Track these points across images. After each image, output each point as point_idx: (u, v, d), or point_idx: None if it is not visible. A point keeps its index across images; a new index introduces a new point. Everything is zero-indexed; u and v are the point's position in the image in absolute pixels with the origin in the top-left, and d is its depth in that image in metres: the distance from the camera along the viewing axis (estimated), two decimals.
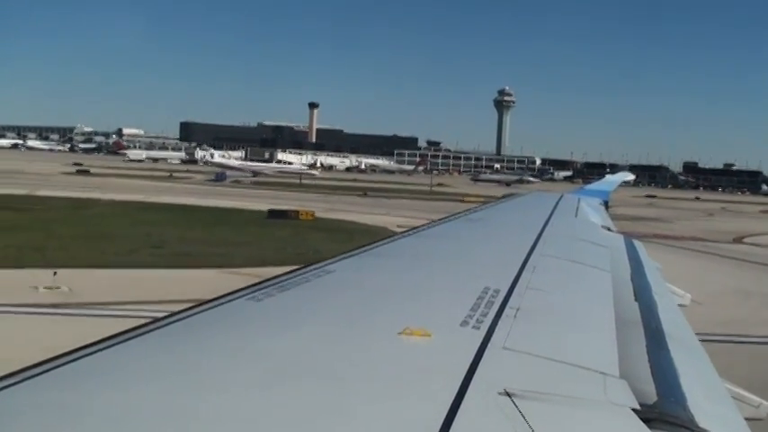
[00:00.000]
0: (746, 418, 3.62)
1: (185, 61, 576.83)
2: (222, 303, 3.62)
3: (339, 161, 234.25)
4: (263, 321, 3.40)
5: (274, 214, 62.72)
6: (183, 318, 3.32)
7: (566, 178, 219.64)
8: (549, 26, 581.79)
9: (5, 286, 30.91)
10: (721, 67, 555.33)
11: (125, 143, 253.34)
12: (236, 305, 3.61)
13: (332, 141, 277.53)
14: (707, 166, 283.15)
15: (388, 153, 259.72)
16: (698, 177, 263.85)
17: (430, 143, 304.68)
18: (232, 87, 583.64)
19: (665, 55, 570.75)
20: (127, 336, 2.96)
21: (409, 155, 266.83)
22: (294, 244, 46.36)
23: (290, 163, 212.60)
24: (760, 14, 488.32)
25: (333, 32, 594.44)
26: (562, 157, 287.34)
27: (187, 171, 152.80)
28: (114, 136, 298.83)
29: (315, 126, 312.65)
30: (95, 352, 2.73)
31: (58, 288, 30.94)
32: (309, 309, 3.72)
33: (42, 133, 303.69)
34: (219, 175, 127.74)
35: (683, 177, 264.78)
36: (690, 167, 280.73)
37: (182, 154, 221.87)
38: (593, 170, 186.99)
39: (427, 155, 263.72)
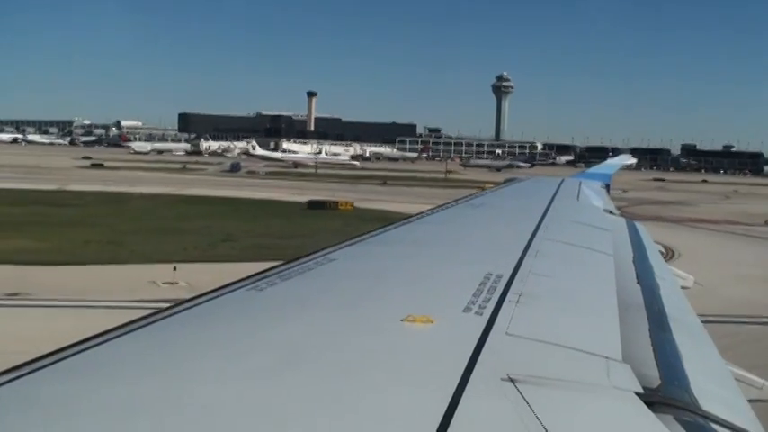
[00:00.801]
0: (750, 400, 3.62)
1: (183, 52, 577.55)
2: (225, 293, 3.63)
3: (343, 149, 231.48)
4: (267, 310, 3.41)
5: (314, 205, 62.47)
6: (187, 308, 3.33)
7: (568, 162, 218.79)
8: (547, 10, 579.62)
9: (124, 282, 30.81)
10: (720, 49, 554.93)
11: (129, 136, 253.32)
12: (238, 295, 3.62)
13: (331, 130, 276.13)
14: (705, 149, 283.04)
15: (388, 141, 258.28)
16: (699, 160, 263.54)
17: (430, 130, 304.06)
18: (230, 78, 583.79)
19: (665, 38, 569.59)
20: (131, 327, 2.97)
21: (411, 142, 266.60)
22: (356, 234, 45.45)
23: (294, 152, 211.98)
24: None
25: (330, 21, 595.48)
26: (563, 141, 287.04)
27: (196, 162, 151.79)
28: (114, 129, 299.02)
29: (314, 115, 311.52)
30: (99, 344, 2.74)
31: (176, 283, 30.93)
32: (312, 297, 3.73)
33: (41, 127, 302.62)
34: (234, 166, 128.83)
35: (684, 160, 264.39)
36: (689, 150, 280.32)
37: (186, 145, 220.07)
38: (595, 154, 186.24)
39: (429, 142, 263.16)
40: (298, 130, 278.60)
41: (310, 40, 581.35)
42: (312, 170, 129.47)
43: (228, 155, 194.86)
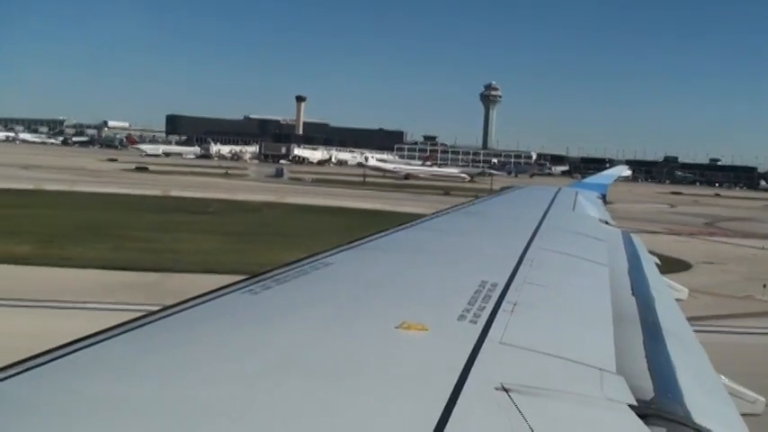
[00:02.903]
0: (743, 414, 3.62)
1: (171, 54, 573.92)
2: (219, 296, 3.61)
3: (350, 156, 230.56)
4: (260, 314, 3.39)
5: None
6: (180, 311, 3.31)
7: (563, 173, 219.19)
8: (536, 21, 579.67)
9: None
10: (706, 61, 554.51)
11: (137, 138, 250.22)
12: (232, 298, 3.60)
13: (318, 135, 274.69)
14: (689, 161, 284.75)
15: (379, 147, 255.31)
16: (693, 173, 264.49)
17: (426, 138, 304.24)
18: (218, 80, 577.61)
19: (655, 51, 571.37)
20: (123, 329, 2.95)
21: (409, 149, 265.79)
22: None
23: (305, 158, 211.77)
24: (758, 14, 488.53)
25: (319, 26, 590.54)
26: (556, 152, 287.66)
27: (228, 168, 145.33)
28: (106, 129, 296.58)
29: (302, 119, 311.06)
30: (91, 345, 2.72)
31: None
32: (307, 302, 3.71)
33: (30, 126, 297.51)
34: (279, 171, 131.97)
35: (679, 173, 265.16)
36: (671, 162, 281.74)
37: (196, 149, 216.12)
38: (591, 165, 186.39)
39: (437, 150, 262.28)
40: (282, 134, 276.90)
41: (298, 45, 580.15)
42: (331, 176, 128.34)
43: (247, 159, 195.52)
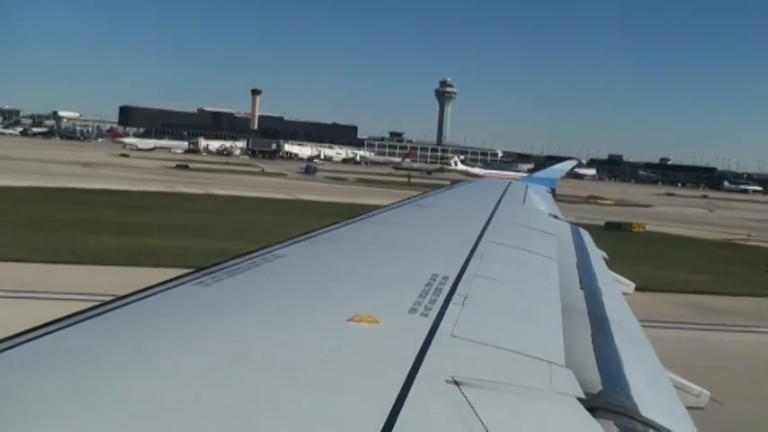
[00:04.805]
0: (688, 407, 3.69)
1: (123, 44, 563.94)
2: (170, 288, 3.57)
3: (335, 153, 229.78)
4: (210, 306, 3.36)
5: (611, 226, 59.84)
6: (129, 303, 3.26)
7: (529, 171, 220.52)
8: (495, 21, 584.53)
9: None
10: (657, 60, 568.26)
11: (72, 127, 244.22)
12: (183, 290, 3.56)
13: (272, 128, 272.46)
14: (632, 160, 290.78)
15: (332, 141, 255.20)
16: (656, 173, 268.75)
17: (392, 134, 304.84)
18: (172, 72, 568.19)
19: (621, 45, 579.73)
20: (71, 320, 2.89)
21: (379, 146, 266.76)
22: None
23: (295, 154, 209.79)
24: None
25: (274, 20, 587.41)
26: (517, 149, 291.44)
27: (249, 165, 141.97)
28: (65, 120, 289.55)
29: (257, 113, 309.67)
30: (35, 338, 2.65)
31: None
32: (258, 294, 3.69)
33: None
34: (310, 169, 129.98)
35: (643, 173, 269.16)
36: (614, 160, 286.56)
37: (184, 144, 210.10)
38: (554, 162, 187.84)
39: (417, 147, 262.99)
40: (237, 127, 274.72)
41: (255, 38, 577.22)
42: (405, 178, 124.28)
43: (237, 154, 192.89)
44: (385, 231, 6.77)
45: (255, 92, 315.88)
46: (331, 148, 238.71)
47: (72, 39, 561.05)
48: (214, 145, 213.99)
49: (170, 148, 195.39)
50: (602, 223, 60.86)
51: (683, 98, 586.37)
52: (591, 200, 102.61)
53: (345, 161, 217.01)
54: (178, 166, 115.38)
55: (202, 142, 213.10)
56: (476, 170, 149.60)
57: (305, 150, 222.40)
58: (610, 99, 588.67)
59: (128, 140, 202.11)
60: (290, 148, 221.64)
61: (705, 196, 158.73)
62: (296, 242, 5.32)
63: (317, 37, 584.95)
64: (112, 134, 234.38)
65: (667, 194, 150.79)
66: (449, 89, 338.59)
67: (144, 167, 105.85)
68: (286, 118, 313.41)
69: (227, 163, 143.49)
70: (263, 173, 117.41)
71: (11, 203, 45.78)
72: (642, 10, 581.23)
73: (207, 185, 77.13)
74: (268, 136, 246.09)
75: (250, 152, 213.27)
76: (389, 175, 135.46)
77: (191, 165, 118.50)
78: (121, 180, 73.49)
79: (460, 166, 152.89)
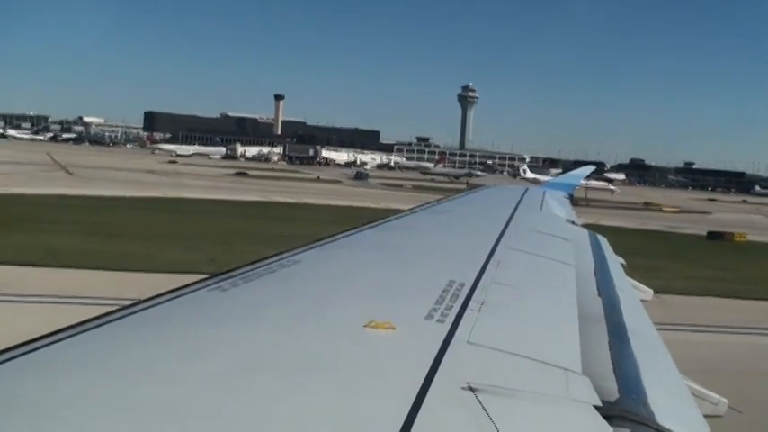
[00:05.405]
0: (706, 415, 3.65)
1: (148, 50, 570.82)
2: (186, 293, 3.58)
3: (370, 158, 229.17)
4: (227, 312, 3.37)
5: (713, 236, 60.33)
6: (146, 308, 3.28)
7: (557, 176, 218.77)
8: (518, 27, 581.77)
9: None
10: (674, 62, 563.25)
11: (103, 133, 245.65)
12: (199, 295, 3.58)
13: (309, 134, 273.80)
14: (654, 164, 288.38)
15: (353, 146, 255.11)
16: (687, 177, 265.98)
17: (419, 139, 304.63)
18: (196, 78, 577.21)
19: (642, 51, 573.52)
20: (87, 326, 2.91)
21: (407, 150, 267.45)
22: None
23: (332, 160, 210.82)
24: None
25: (299, 25, 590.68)
26: (543, 154, 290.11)
27: (295, 171, 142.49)
28: (93, 126, 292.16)
29: (281, 118, 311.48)
30: (52, 343, 2.67)
31: None
32: (274, 300, 3.70)
33: (12, 121, 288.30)
34: (361, 175, 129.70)
35: (672, 177, 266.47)
36: (640, 165, 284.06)
37: (222, 150, 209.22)
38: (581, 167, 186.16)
39: (445, 153, 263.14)
40: (261, 133, 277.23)
41: (276, 43, 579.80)
42: (428, 183, 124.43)
43: (275, 160, 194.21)
44: (402, 237, 6.77)
45: (278, 97, 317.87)
46: (363, 153, 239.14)
47: (95, 45, 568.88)
48: (251, 151, 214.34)
49: (208, 155, 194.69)
50: (704, 233, 61.31)
51: (705, 102, 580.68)
52: (650, 206, 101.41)
53: (380, 167, 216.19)
54: (238, 174, 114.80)
55: (239, 148, 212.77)
56: (545, 177, 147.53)
57: (341, 156, 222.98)
58: (628, 103, 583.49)
59: (165, 147, 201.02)
60: (327, 154, 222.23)
61: (745, 201, 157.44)
62: (312, 248, 5.33)
63: (336, 42, 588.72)
64: (149, 140, 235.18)
65: (709, 200, 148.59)
66: (471, 94, 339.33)
67: (208, 175, 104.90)
68: (308, 123, 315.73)
69: (272, 170, 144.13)
70: (318, 180, 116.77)
71: (185, 216, 46.04)
72: (642, 9, 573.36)
73: (289, 194, 75.57)
74: (304, 142, 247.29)
75: (287, 158, 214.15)
76: (432, 181, 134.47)
77: (247, 172, 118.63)
78: (212, 190, 72.81)
79: (529, 174, 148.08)
